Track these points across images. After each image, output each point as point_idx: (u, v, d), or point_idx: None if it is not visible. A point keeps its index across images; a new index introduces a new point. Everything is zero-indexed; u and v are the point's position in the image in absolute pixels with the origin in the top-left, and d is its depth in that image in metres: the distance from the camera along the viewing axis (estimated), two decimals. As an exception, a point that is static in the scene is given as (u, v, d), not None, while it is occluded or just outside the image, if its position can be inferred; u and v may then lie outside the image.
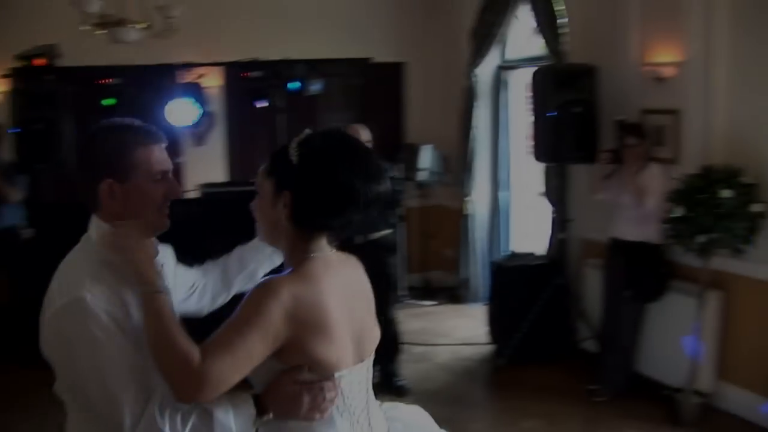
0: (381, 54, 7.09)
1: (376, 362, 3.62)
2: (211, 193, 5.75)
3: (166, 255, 1.96)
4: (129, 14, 5.22)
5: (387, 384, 5.09)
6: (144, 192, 1.76)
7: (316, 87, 5.83)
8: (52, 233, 5.20)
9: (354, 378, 1.79)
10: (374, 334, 1.88)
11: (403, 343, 5.35)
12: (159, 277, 1.65)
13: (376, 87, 7.20)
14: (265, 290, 1.64)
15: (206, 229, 5.16)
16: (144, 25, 5.23)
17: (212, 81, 6.57)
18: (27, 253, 5.64)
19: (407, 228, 7.44)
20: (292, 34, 6.61)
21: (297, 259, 1.75)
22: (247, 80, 5.90)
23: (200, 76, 6.02)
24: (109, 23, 5.07)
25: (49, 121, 5.55)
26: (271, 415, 1.70)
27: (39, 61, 5.57)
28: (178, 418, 1.61)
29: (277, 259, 2.08)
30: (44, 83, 5.68)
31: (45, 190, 6.22)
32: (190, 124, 5.93)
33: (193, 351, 1.56)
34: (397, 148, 7.24)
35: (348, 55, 6.73)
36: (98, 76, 5.85)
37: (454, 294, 7.22)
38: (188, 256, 2.15)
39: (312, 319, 1.67)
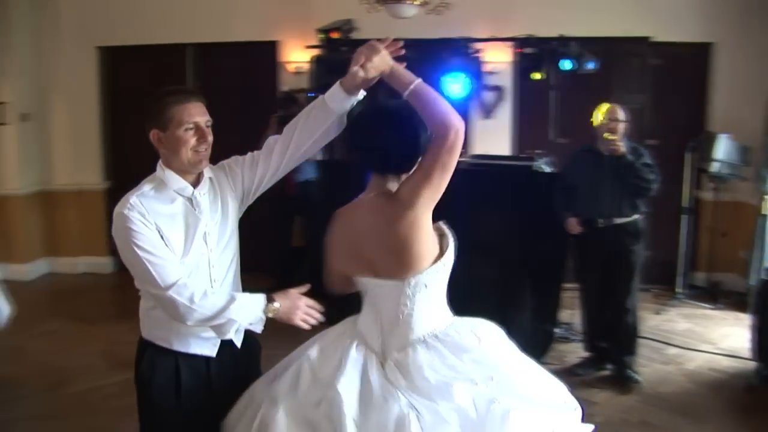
0: (688, 34, 6.60)
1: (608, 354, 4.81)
2: (474, 164, 5.90)
3: (219, 178, 2.48)
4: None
5: (617, 375, 4.93)
6: (178, 138, 2.31)
7: (590, 66, 5.62)
8: (339, 187, 5.79)
9: (380, 286, 2.27)
10: (392, 264, 2.23)
11: (639, 337, 5.07)
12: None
13: (674, 68, 6.74)
14: None
15: (461, 197, 5.36)
16: (420, 2, 5.52)
17: (500, 56, 6.68)
18: (319, 203, 6.32)
19: (695, 222, 6.90)
20: (585, 9, 6.45)
21: None
22: (523, 56, 5.91)
23: (478, 51, 6.14)
24: (389, 0, 5.45)
25: (340, 87, 6.14)
26: (277, 306, 2.30)
27: (335, 34, 6.17)
28: (205, 288, 2.28)
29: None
30: (339, 54, 6.29)
31: (335, 149, 6.90)
32: (466, 97, 6.11)
33: None
34: (692, 135, 6.70)
35: (649, 33, 6.38)
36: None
37: (740, 300, 6.54)
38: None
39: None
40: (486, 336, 2.35)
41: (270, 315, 2.32)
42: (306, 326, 2.33)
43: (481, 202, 5.34)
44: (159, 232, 2.27)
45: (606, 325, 5.03)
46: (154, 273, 2.23)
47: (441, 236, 2.30)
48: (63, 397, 4.71)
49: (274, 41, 7.15)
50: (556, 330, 5.69)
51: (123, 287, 7.40)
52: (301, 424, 2.14)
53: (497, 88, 6.82)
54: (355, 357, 2.23)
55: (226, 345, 2.47)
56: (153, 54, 7.38)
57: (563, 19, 6.06)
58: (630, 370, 4.92)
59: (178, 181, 2.36)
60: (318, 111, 2.40)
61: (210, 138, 2.36)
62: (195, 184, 2.40)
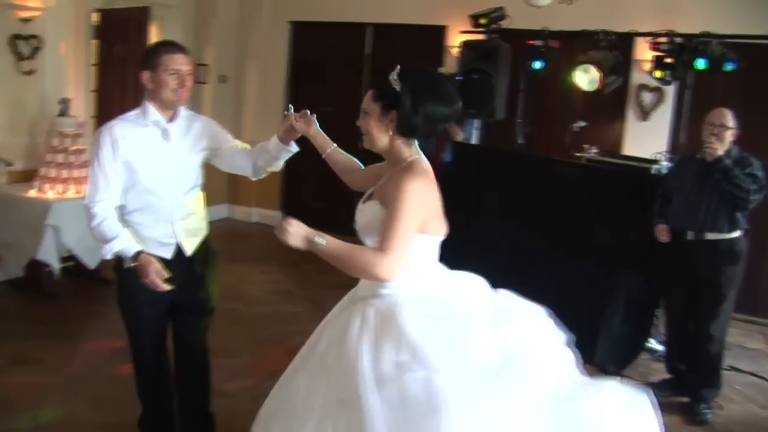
0: None
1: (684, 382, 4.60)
2: (594, 160, 5.69)
3: (199, 124, 3.14)
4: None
5: (691, 406, 4.53)
6: (162, 80, 2.93)
7: (729, 67, 5.12)
8: (472, 170, 5.90)
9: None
10: None
11: (721, 369, 4.63)
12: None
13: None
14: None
15: (577, 195, 5.26)
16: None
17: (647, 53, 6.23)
18: (449, 184, 6.46)
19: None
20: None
21: (400, 159, 2.42)
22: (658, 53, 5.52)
23: (615, 45, 5.81)
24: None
25: (485, 73, 6.22)
26: (133, 265, 2.87)
27: (484, 21, 6.23)
28: (102, 219, 2.90)
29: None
30: (488, 41, 6.35)
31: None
32: (593, 90, 5.87)
33: None
34: None
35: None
36: (529, 37, 6.24)
37: None
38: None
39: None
40: None
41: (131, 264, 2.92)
42: (152, 287, 2.87)
43: (594, 201, 5.19)
44: (124, 156, 2.92)
45: (686, 348, 4.65)
46: (90, 185, 2.96)
47: None
48: (236, 311, 5.65)
49: (442, 26, 7.34)
50: (659, 347, 5.33)
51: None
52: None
53: (657, 89, 6.40)
54: None
55: (182, 252, 3.11)
56: (336, 30, 7.98)
57: (711, 14, 5.54)
58: (704, 404, 4.50)
59: (155, 114, 3.01)
60: (259, 149, 3.11)
61: (188, 84, 2.98)
62: (171, 119, 3.04)
